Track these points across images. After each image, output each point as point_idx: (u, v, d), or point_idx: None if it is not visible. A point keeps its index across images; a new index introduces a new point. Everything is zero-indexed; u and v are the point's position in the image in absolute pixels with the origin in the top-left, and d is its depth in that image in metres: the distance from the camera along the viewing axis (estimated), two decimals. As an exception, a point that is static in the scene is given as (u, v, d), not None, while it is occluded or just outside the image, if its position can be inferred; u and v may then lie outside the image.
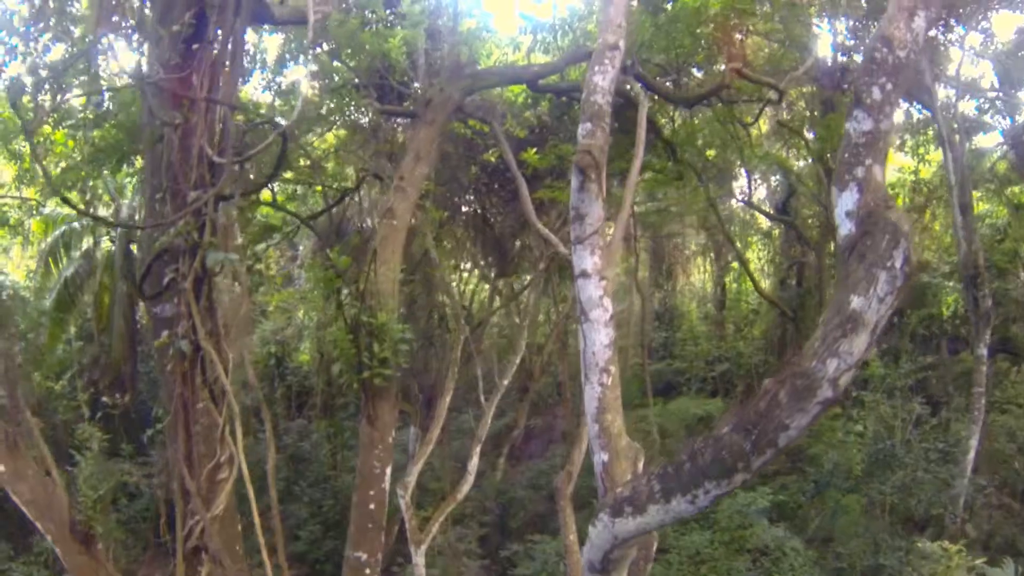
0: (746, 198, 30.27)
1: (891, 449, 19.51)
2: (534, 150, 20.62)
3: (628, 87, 17.99)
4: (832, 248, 27.43)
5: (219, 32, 12.39)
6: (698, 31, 19.92)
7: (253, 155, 13.12)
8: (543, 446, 30.08)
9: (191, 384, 12.37)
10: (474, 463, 19.42)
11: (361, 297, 16.06)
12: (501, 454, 27.57)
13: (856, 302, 7.40)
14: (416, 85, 19.35)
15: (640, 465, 10.65)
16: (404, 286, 26.61)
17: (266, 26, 19.65)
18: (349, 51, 19.39)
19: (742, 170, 28.52)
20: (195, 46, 12.22)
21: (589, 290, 10.78)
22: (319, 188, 26.01)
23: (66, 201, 15.93)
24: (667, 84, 22.16)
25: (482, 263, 28.70)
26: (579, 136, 10.96)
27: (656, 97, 20.69)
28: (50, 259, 23.68)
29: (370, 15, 18.83)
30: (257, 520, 12.51)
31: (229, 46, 12.69)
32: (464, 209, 26.66)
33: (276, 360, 26.94)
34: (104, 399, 18.93)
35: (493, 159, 21.28)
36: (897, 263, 7.18)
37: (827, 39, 24.35)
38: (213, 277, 12.52)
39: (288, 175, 24.29)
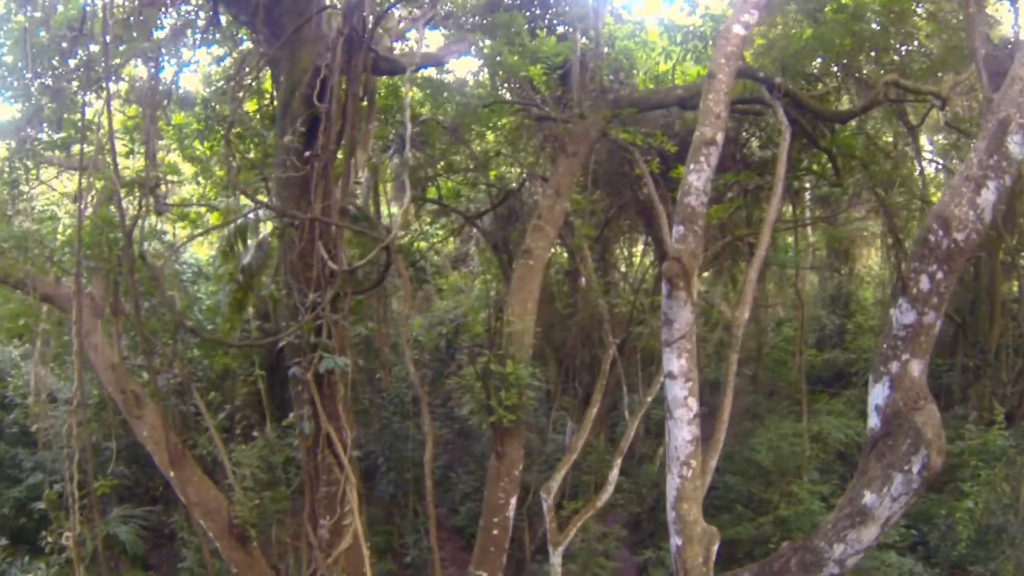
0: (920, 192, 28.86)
1: (1003, 526, 18.75)
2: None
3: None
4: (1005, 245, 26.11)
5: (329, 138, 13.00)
6: (856, 29, 19.10)
7: (362, 264, 13.90)
8: (707, 434, 29.75)
9: (314, 457, 13.44)
10: (614, 474, 19.69)
11: (491, 343, 16.59)
12: (662, 443, 27.63)
13: (868, 498, 7.58)
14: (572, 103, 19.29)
15: (713, 549, 11.05)
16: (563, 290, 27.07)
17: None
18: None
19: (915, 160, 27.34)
20: (307, 153, 12.88)
21: (675, 390, 11.07)
22: (492, 174, 26.44)
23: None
24: (823, 90, 21.62)
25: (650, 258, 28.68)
26: (672, 239, 11.11)
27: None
28: (228, 248, 24.93)
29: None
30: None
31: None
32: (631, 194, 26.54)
33: (447, 341, 27.70)
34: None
35: (655, 168, 20.78)
36: (915, 468, 7.28)
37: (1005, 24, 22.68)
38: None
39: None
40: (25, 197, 18.97)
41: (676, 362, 11.09)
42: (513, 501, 16.71)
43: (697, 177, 11.09)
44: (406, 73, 14.17)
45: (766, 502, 22.93)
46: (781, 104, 17.83)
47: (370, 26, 13.10)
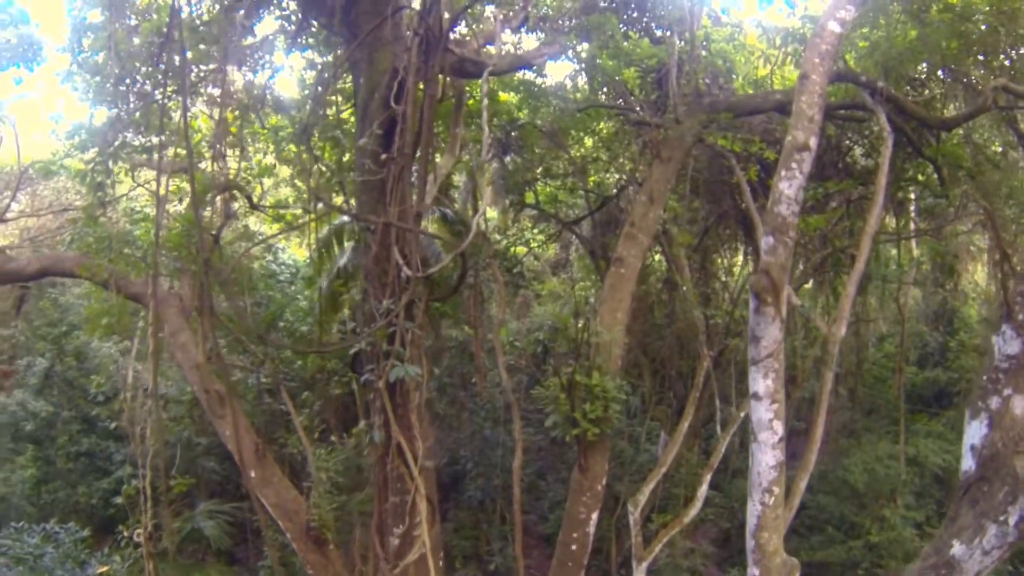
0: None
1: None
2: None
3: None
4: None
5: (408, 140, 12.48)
6: (963, 30, 17.62)
7: (436, 270, 13.36)
8: (801, 451, 28.34)
9: (384, 467, 13.05)
10: (703, 490, 18.84)
11: (576, 353, 15.92)
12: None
13: (957, 549, 6.70)
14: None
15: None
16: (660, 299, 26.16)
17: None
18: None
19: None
20: (383, 156, 12.37)
21: (760, 412, 10.37)
22: (592, 179, 25.76)
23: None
24: (928, 95, 20.29)
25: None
26: (762, 251, 10.34)
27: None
28: (324, 250, 24.65)
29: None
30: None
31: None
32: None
33: (544, 348, 27.08)
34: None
35: (754, 176, 19.76)
36: (1012, 519, 6.39)
37: None
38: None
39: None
40: (110, 199, 18.76)
41: (762, 382, 10.33)
42: (595, 516, 16.00)
43: (788, 185, 10.27)
44: (485, 74, 13.41)
45: (858, 526, 21.96)
46: (884, 110, 16.82)
47: (446, 26, 12.49)
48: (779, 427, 10.29)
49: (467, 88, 17.73)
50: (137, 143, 17.56)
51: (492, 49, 18.89)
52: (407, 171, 12.54)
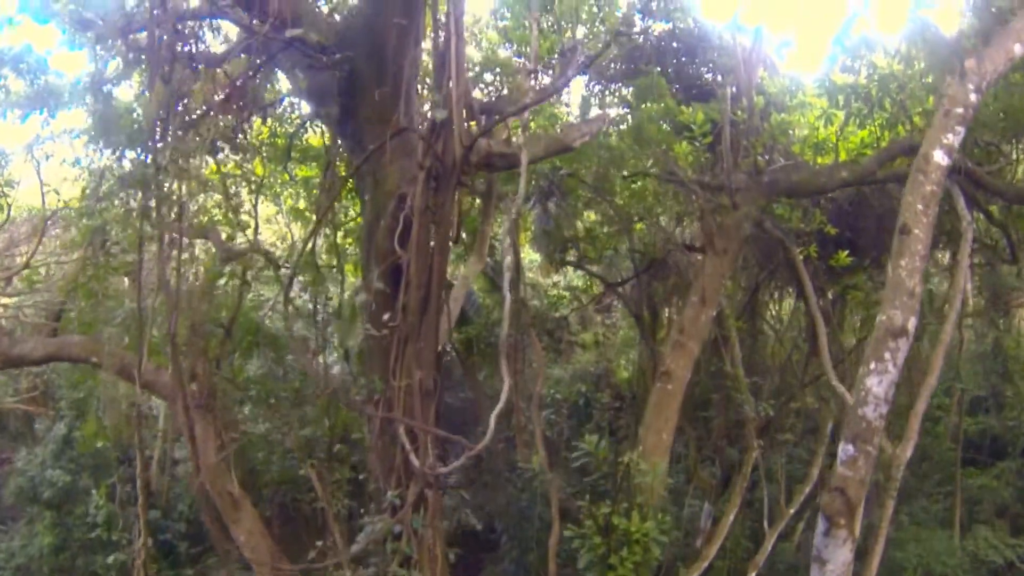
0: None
1: None
2: (846, 252, 16.65)
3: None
4: None
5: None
6: None
7: (452, 468, 10.75)
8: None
9: None
10: (747, 590, 16.57)
11: (616, 492, 13.49)
12: (802, 517, 23.71)
13: None
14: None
15: None
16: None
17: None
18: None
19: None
20: (385, 316, 9.94)
21: None
22: (638, 226, 23.16)
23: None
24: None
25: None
26: (838, 461, 7.79)
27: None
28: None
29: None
30: None
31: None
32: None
33: (585, 399, 24.74)
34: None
35: (813, 253, 17.25)
36: None
37: None
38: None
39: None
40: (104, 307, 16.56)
41: (826, 608, 7.94)
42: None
43: (878, 381, 7.68)
44: (517, 201, 10.79)
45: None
46: (960, 191, 14.01)
47: (459, 157, 9.80)
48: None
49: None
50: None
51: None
52: (413, 338, 9.94)
